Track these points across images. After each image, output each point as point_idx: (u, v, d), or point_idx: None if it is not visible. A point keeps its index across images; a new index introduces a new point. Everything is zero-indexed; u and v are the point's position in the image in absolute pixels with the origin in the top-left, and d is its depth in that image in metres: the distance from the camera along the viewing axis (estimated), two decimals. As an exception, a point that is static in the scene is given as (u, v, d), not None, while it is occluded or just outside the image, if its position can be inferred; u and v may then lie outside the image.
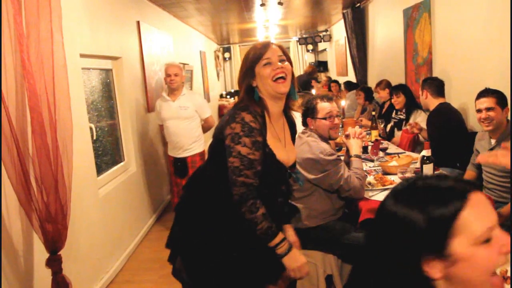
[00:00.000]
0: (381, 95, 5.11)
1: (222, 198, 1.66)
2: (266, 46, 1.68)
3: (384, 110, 5.03)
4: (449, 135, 3.20)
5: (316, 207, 2.43)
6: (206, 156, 1.93)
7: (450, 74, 3.75)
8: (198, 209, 1.77)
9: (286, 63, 1.68)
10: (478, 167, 2.83)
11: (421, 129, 3.68)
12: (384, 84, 5.09)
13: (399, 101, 4.24)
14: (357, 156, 2.54)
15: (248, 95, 1.68)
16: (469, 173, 2.93)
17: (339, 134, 4.12)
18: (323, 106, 2.50)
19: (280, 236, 1.63)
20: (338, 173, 2.34)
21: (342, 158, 2.62)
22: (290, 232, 1.92)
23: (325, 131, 2.49)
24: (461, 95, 3.59)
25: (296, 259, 1.66)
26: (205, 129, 4.22)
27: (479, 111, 2.58)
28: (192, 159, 4.03)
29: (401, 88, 4.30)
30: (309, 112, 2.53)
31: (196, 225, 1.76)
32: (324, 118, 2.48)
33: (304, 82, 8.00)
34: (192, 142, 4.02)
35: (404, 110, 4.25)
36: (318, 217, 2.43)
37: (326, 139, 2.51)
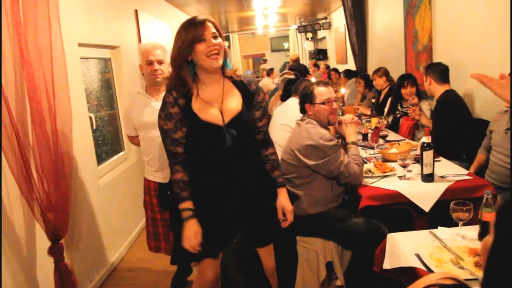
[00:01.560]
0: (378, 83, 5.05)
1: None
2: (201, 23, 1.78)
3: (381, 98, 4.99)
4: (456, 124, 3.16)
5: (316, 194, 2.43)
6: None
7: (451, 60, 3.73)
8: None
9: (219, 39, 1.81)
10: (489, 150, 2.82)
11: (420, 115, 3.65)
12: (382, 72, 5.02)
13: (412, 91, 4.04)
14: (353, 143, 2.54)
15: (177, 70, 1.83)
16: (480, 156, 2.93)
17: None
18: (321, 91, 2.49)
19: (184, 205, 1.85)
20: (338, 159, 2.34)
21: None
22: (281, 195, 2.02)
23: (324, 116, 2.49)
24: (462, 82, 3.57)
25: (187, 229, 1.83)
26: None
27: None
28: None
29: (413, 78, 4.17)
30: (307, 98, 2.52)
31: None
32: (323, 103, 2.47)
33: (303, 69, 7.97)
34: None
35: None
36: (318, 203, 2.44)
37: (325, 125, 2.51)
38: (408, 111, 3.80)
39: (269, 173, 2.01)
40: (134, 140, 2.90)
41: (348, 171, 2.36)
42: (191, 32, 1.77)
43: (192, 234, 1.82)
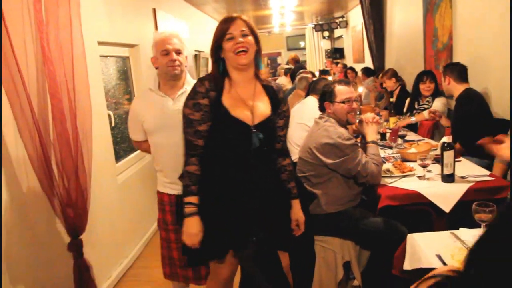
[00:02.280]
0: (388, 85, 5.01)
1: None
2: (230, 21, 1.82)
3: (394, 99, 4.93)
4: (477, 121, 3.12)
5: (334, 193, 2.42)
6: None
7: (471, 59, 3.67)
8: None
9: (249, 37, 1.81)
10: None
11: (441, 116, 3.62)
12: (390, 73, 4.98)
13: (432, 87, 4.01)
14: (373, 142, 2.51)
15: (214, 65, 1.87)
16: (498, 166, 2.85)
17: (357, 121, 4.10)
18: (341, 90, 2.48)
19: (190, 199, 1.82)
20: (356, 158, 2.32)
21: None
22: (295, 207, 2.01)
23: (343, 115, 2.47)
24: (483, 81, 3.50)
25: (190, 226, 1.82)
26: None
27: None
28: None
29: (432, 74, 4.14)
30: (327, 96, 2.51)
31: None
32: (343, 102, 2.45)
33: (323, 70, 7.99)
34: None
35: (430, 98, 4.10)
36: (336, 202, 2.42)
37: (343, 124, 2.49)
38: (429, 115, 3.75)
39: (285, 183, 2.00)
40: (142, 145, 2.46)
41: (366, 170, 2.33)
42: (221, 29, 1.81)
43: (195, 231, 1.82)
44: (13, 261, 2.11)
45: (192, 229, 1.82)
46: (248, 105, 1.85)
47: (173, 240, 2.35)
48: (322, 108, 2.57)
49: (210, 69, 6.34)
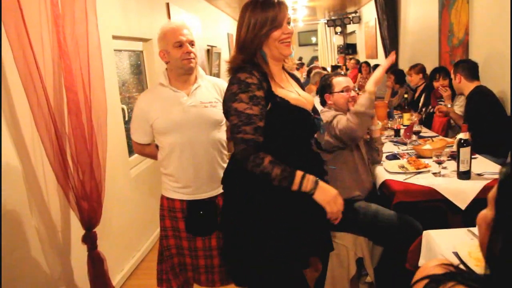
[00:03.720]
0: (413, 79, 4.96)
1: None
2: (278, 6, 1.62)
3: (416, 95, 4.89)
4: (490, 118, 3.09)
5: (341, 179, 2.40)
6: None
7: (488, 55, 3.62)
8: (237, 181, 1.74)
9: (292, 25, 1.68)
10: None
11: (446, 113, 3.62)
12: (419, 68, 4.91)
13: (445, 83, 3.96)
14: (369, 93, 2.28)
15: (249, 56, 1.64)
16: None
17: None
18: (339, 81, 2.56)
19: (299, 174, 1.56)
20: (337, 121, 2.34)
21: None
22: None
23: (343, 104, 2.53)
24: (500, 77, 3.45)
25: (328, 191, 1.59)
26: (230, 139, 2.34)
27: None
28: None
29: (446, 70, 4.07)
30: (326, 88, 2.60)
31: (235, 201, 1.75)
32: (342, 91, 2.53)
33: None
34: (224, 168, 2.13)
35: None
36: (344, 191, 2.37)
37: (345, 113, 2.49)
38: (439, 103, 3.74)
39: None
40: (146, 149, 2.25)
41: (340, 126, 2.28)
42: (271, 16, 1.60)
43: (334, 193, 1.59)
44: (29, 252, 2.13)
45: (329, 195, 1.58)
46: (296, 92, 1.75)
47: (185, 247, 2.19)
48: (323, 102, 2.64)
49: (222, 63, 6.24)
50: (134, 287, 3.12)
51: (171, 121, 2.05)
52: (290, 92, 1.71)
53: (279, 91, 1.65)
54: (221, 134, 2.17)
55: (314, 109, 1.82)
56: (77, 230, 2.39)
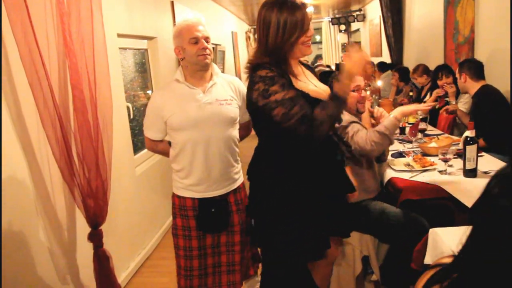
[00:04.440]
0: (419, 81, 4.98)
1: (283, 162, 1.74)
2: (304, 9, 1.66)
3: (423, 93, 4.88)
4: (496, 117, 3.07)
5: None
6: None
7: (493, 53, 3.59)
8: (263, 172, 1.83)
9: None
10: None
11: (452, 111, 3.63)
12: (421, 70, 4.91)
13: (449, 81, 4.01)
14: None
15: (275, 61, 1.67)
16: None
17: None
18: None
19: (332, 91, 1.65)
20: (354, 131, 2.32)
21: None
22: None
23: (352, 104, 2.45)
24: (505, 75, 3.43)
25: (353, 64, 1.64)
26: (242, 137, 2.36)
27: None
28: (236, 197, 2.24)
29: (447, 68, 4.11)
30: None
31: (263, 188, 1.82)
32: (353, 91, 2.43)
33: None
34: (237, 165, 2.25)
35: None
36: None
37: (353, 114, 2.47)
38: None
39: None
40: (159, 146, 2.24)
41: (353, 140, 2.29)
42: (298, 20, 1.63)
43: (360, 56, 1.65)
44: (35, 250, 2.14)
45: (357, 58, 1.64)
46: (313, 84, 1.79)
47: (195, 247, 2.18)
48: None
49: (227, 63, 6.19)
50: (139, 285, 3.13)
51: (187, 118, 2.04)
52: (308, 84, 1.76)
53: (298, 85, 1.69)
54: (235, 132, 2.18)
55: None
56: (83, 228, 2.40)
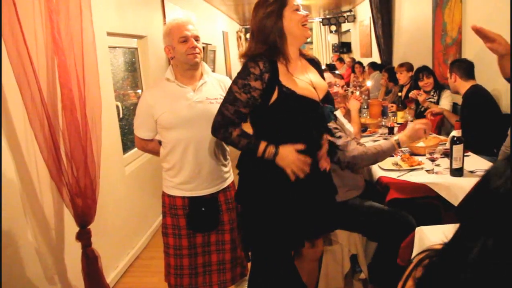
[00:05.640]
0: (403, 76, 5.04)
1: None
2: None
3: (403, 93, 4.94)
4: (486, 118, 3.11)
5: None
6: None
7: (481, 55, 3.64)
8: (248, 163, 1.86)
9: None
10: None
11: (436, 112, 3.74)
12: (408, 66, 5.00)
13: (430, 82, 4.14)
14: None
15: (265, 41, 1.72)
16: None
17: (364, 115, 4.10)
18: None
19: (262, 145, 1.72)
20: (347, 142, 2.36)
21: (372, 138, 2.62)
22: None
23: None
24: (492, 77, 3.47)
25: (286, 156, 1.72)
26: None
27: None
28: (226, 196, 2.25)
29: (428, 69, 4.23)
30: None
31: (250, 176, 1.87)
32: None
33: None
34: (227, 164, 2.27)
35: (434, 92, 4.15)
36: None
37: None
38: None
39: None
40: (149, 145, 2.24)
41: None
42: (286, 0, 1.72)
43: (294, 156, 1.72)
44: (22, 249, 2.12)
45: (287, 159, 1.72)
46: (307, 80, 1.79)
47: (185, 246, 2.18)
48: None
49: (218, 62, 6.19)
50: (128, 285, 3.12)
51: (177, 116, 2.05)
52: (301, 80, 1.76)
53: (287, 81, 1.71)
54: None
55: (326, 97, 1.86)
56: (71, 227, 2.39)
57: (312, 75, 1.85)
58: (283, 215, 1.80)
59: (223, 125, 1.75)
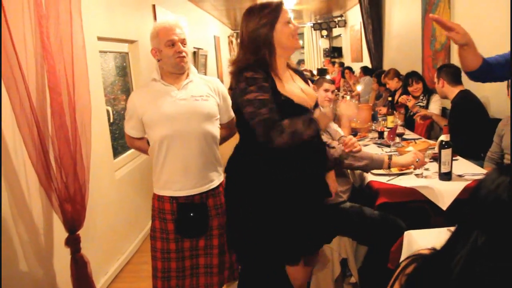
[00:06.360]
0: (391, 85, 5.09)
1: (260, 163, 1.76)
2: (281, 4, 1.79)
3: (396, 98, 4.98)
4: (473, 123, 3.14)
5: None
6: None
7: (469, 59, 3.67)
8: (240, 167, 1.85)
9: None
10: (499, 159, 2.79)
11: (425, 116, 3.76)
12: (392, 73, 5.06)
13: (419, 87, 4.22)
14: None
15: (256, 52, 1.73)
16: (488, 166, 2.87)
17: (354, 119, 4.11)
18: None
19: (316, 111, 1.80)
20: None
21: (362, 142, 2.64)
22: (330, 176, 2.12)
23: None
24: (480, 84, 3.50)
25: (324, 116, 1.81)
26: (225, 138, 2.36)
27: None
28: (215, 201, 2.21)
29: (417, 75, 4.28)
30: None
31: (237, 187, 1.86)
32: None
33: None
34: (216, 164, 2.22)
35: (423, 96, 4.21)
36: None
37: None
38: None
39: None
40: (136, 143, 2.28)
41: None
42: (276, 12, 1.74)
43: (329, 115, 1.87)
44: (11, 255, 2.10)
45: (327, 114, 1.83)
46: (299, 89, 1.83)
47: (172, 250, 2.18)
48: None
49: (209, 67, 6.19)
50: (118, 290, 3.10)
51: (160, 114, 2.06)
52: (295, 89, 1.79)
53: (283, 90, 1.73)
54: (214, 129, 2.16)
55: (316, 106, 1.89)
56: (60, 233, 2.37)
57: (301, 84, 1.89)
58: (274, 224, 1.77)
59: (270, 127, 1.60)
